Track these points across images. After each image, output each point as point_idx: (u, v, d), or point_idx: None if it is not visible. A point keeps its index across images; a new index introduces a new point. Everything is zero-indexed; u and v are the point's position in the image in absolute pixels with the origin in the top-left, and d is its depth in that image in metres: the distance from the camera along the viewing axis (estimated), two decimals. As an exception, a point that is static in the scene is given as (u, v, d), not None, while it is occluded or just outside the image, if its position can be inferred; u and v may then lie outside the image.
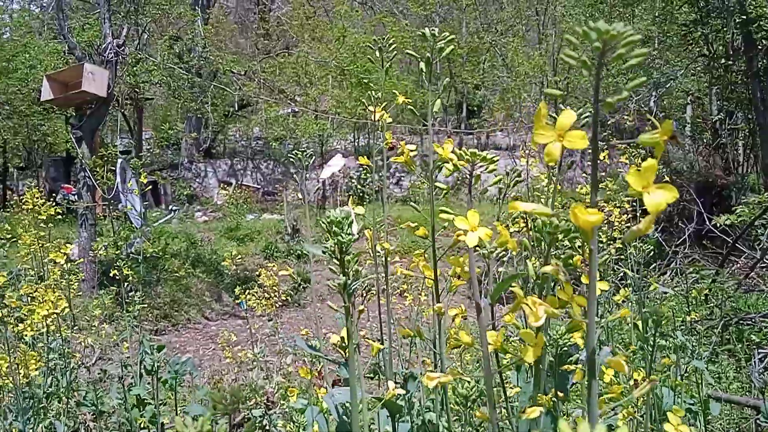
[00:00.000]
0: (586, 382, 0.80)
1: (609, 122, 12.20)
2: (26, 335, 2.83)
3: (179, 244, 9.82)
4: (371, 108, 1.39)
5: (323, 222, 0.75)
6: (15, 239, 3.76)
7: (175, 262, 8.52)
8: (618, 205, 2.87)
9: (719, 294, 5.30)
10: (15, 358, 2.74)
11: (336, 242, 0.74)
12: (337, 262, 0.76)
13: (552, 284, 0.81)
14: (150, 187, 12.71)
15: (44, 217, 2.80)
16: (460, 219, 0.74)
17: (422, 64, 0.99)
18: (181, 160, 17.00)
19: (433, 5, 18.45)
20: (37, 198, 2.79)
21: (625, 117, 11.89)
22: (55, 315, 2.66)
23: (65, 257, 2.87)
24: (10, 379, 2.82)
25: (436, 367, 1.10)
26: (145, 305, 4.07)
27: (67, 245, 2.70)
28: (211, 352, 6.68)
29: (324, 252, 0.76)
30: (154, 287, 7.79)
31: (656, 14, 13.22)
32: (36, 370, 2.78)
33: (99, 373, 4.13)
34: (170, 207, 13.83)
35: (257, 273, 10.73)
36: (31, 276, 3.35)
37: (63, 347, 3.10)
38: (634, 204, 2.87)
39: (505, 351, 0.73)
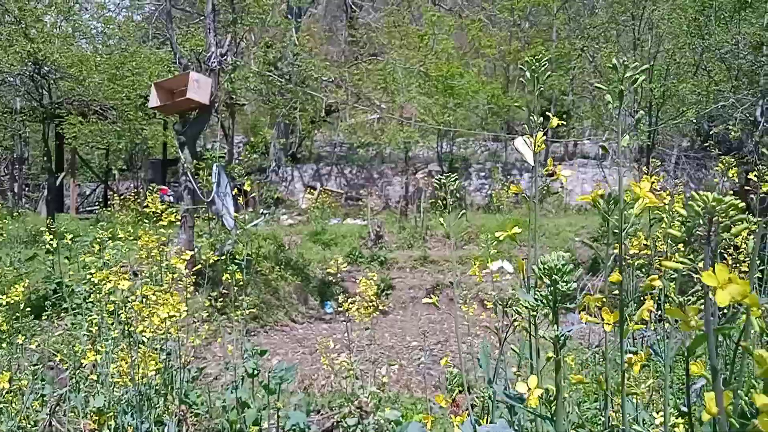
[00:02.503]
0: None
1: (712, 132, 11.54)
2: (144, 336, 2.95)
3: (267, 247, 10.08)
4: (553, 123, 1.31)
5: (538, 267, 0.70)
6: (124, 239, 3.95)
7: (265, 264, 8.76)
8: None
9: None
10: (135, 358, 2.86)
11: (553, 291, 0.69)
12: (551, 312, 0.70)
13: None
14: (254, 193, 13.15)
15: (165, 223, 2.91)
16: (707, 275, 0.65)
17: (607, 97, 0.93)
18: (269, 165, 17.52)
19: (522, 11, 18.11)
20: (159, 203, 2.90)
21: (730, 127, 11.18)
22: (174, 318, 2.75)
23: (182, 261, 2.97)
24: (128, 377, 2.95)
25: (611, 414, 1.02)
26: (253, 308, 4.17)
27: (188, 251, 2.79)
28: (300, 355, 6.78)
29: (536, 300, 0.71)
30: (244, 289, 8.01)
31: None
32: (154, 370, 2.88)
33: (195, 372, 4.27)
34: (260, 210, 14.25)
35: (341, 278, 10.76)
36: (147, 278, 3.50)
37: (175, 348, 3.22)
38: None
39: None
